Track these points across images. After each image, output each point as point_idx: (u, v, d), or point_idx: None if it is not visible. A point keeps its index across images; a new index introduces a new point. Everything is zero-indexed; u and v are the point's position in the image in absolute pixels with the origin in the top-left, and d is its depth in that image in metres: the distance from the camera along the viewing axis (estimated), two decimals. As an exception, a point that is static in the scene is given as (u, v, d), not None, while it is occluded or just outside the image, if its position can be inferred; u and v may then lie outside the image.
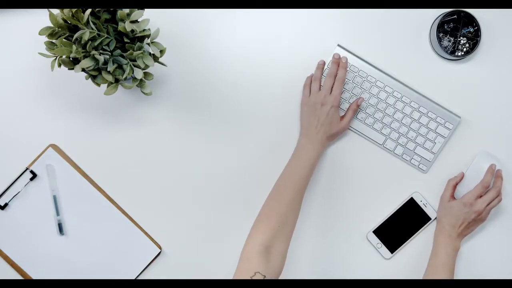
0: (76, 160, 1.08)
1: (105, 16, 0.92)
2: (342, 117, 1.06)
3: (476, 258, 1.10)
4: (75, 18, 0.89)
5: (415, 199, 1.09)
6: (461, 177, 1.06)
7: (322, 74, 1.06)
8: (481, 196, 1.03)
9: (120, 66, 0.93)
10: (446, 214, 1.05)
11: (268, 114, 1.09)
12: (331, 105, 1.02)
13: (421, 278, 1.09)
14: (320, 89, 1.05)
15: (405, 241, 1.09)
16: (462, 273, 1.09)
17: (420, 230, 1.09)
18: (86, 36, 0.87)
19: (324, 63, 1.07)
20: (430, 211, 1.08)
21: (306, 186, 1.01)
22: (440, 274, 1.01)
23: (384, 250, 1.09)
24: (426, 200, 1.09)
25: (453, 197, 1.06)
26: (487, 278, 1.10)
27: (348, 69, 1.07)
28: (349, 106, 1.06)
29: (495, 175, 1.05)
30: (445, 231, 1.04)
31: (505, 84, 1.09)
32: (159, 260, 1.10)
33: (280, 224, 0.94)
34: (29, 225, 1.08)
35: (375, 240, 1.09)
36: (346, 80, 1.07)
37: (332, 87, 1.04)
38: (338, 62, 1.05)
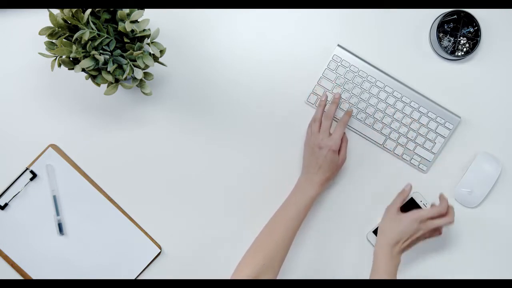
0: (76, 160, 1.08)
1: (105, 16, 0.92)
2: (338, 151, 1.03)
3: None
4: (75, 18, 0.89)
5: (415, 199, 1.08)
6: (409, 191, 1.05)
7: (323, 113, 1.05)
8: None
9: (120, 66, 0.93)
10: (393, 226, 0.99)
11: (268, 114, 1.09)
12: (329, 149, 1.01)
13: (420, 277, 1.09)
14: (319, 130, 1.03)
15: (405, 241, 1.09)
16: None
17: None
18: (86, 36, 0.87)
19: (326, 99, 1.05)
20: (430, 211, 1.08)
21: (298, 226, 1.00)
22: None
23: (384, 250, 1.09)
24: (426, 200, 1.09)
25: (400, 210, 1.03)
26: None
27: (351, 111, 1.06)
28: (341, 143, 1.04)
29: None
30: (387, 247, 0.98)
31: (505, 84, 1.09)
32: (159, 260, 1.10)
33: (266, 262, 0.95)
34: (29, 225, 1.08)
35: (376, 240, 1.08)
36: (346, 80, 1.07)
37: (333, 127, 1.03)
38: (337, 102, 1.05)
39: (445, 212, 1.00)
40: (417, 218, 0.98)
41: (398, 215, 1.01)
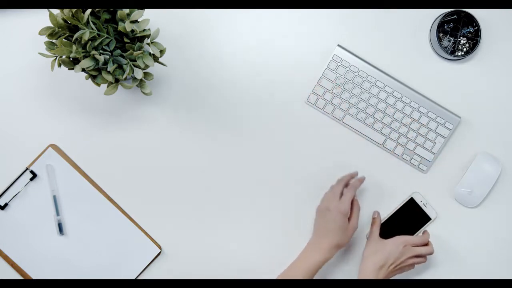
0: (76, 160, 1.09)
1: (105, 16, 0.92)
2: (349, 218, 1.01)
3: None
4: (75, 18, 0.89)
5: (415, 199, 1.08)
6: (379, 217, 1.06)
7: (343, 184, 1.04)
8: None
9: (120, 66, 0.93)
10: (377, 250, 1.00)
11: (268, 114, 1.09)
12: (337, 211, 0.99)
13: (419, 278, 1.09)
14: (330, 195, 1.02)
15: (405, 241, 1.09)
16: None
17: (420, 230, 1.09)
18: (86, 36, 0.87)
19: (355, 175, 1.06)
20: (430, 211, 1.08)
21: None
22: None
23: (384, 250, 1.09)
24: (426, 200, 1.09)
25: (380, 237, 1.04)
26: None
27: (363, 179, 1.05)
28: (352, 205, 1.02)
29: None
30: (372, 272, 0.98)
31: (505, 84, 1.09)
32: (159, 260, 1.10)
33: None
34: (29, 225, 1.08)
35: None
36: (346, 80, 1.07)
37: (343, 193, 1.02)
38: (353, 175, 1.05)
39: (427, 242, 1.04)
40: (402, 242, 1.00)
41: (381, 240, 1.02)
